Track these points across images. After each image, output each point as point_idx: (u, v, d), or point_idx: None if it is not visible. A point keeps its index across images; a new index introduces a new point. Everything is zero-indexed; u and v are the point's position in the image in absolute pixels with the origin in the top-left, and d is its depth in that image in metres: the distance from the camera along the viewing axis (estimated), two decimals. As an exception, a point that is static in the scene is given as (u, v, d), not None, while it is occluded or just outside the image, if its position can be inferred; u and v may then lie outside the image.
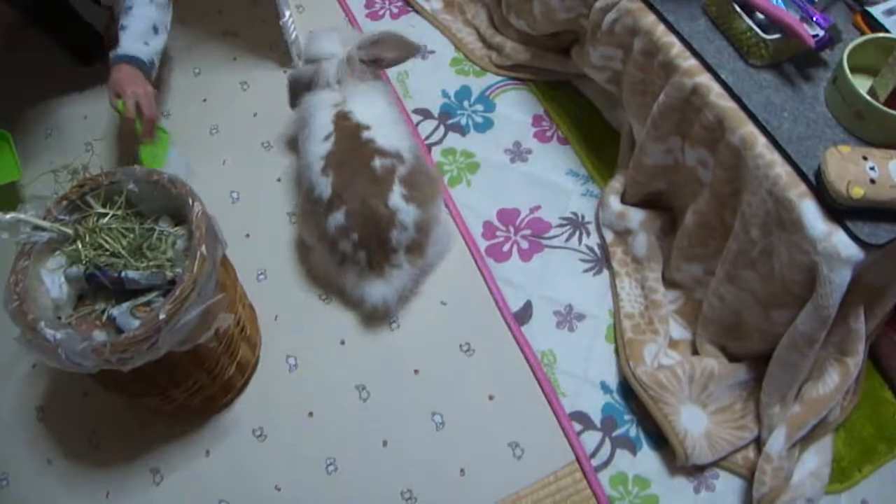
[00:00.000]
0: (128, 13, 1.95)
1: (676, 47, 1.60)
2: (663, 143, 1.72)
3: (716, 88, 1.53)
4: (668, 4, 1.65)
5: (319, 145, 1.80)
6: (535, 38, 2.19)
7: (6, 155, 2.08)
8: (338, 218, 1.74)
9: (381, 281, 1.80)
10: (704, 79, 1.55)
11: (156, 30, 1.98)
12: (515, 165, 2.09)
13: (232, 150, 2.21)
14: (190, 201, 1.47)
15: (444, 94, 2.25)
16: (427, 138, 2.16)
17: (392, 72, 2.27)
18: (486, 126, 2.17)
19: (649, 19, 1.65)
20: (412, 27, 2.43)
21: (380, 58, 1.89)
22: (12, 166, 2.07)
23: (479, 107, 2.21)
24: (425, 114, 2.21)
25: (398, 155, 1.79)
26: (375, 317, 1.87)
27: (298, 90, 1.94)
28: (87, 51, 2.36)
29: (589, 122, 2.15)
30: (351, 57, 1.87)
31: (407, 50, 1.92)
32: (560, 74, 2.23)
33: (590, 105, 2.19)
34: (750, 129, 1.47)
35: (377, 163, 1.75)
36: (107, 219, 1.57)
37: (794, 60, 1.56)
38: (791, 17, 1.50)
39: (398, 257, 1.79)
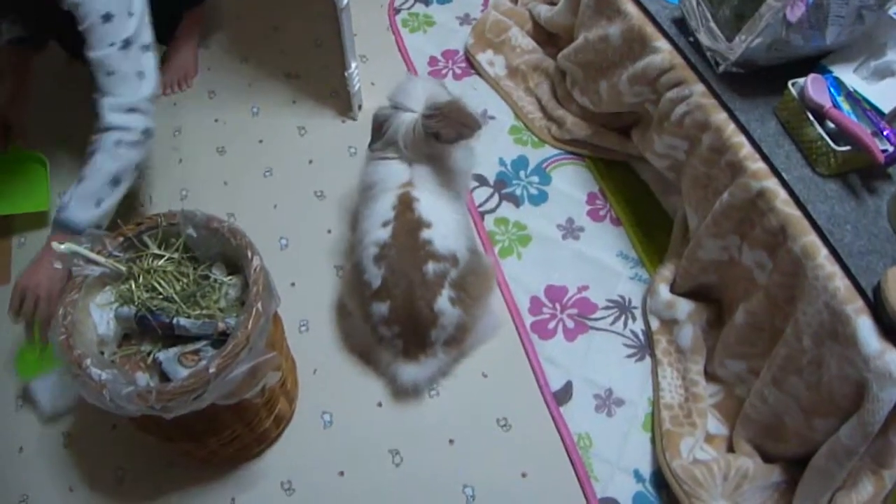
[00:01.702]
0: (89, 161, 1.78)
1: (746, 148, 1.61)
2: (721, 240, 1.71)
3: (782, 194, 1.53)
4: (740, 104, 1.66)
5: (378, 231, 1.75)
6: (596, 115, 2.20)
7: (40, 182, 2.09)
8: (381, 309, 1.73)
9: (415, 365, 1.80)
10: (771, 183, 1.55)
11: (116, 182, 1.80)
12: (567, 242, 2.09)
13: (284, 195, 2.23)
14: (249, 255, 1.48)
15: (501, 161, 2.26)
16: (481, 206, 2.17)
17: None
18: (540, 199, 2.18)
19: (721, 117, 1.66)
20: (474, 90, 2.45)
21: (438, 133, 1.72)
22: (43, 195, 2.08)
23: (535, 178, 2.22)
24: (481, 180, 2.22)
25: (453, 257, 1.75)
26: (405, 394, 1.86)
27: (379, 132, 1.82)
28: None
29: (643, 205, 2.16)
30: (417, 125, 1.74)
31: (467, 128, 1.74)
32: (619, 154, 2.23)
33: (645, 188, 2.19)
34: (812, 238, 1.47)
35: (430, 267, 1.71)
36: (162, 261, 1.58)
37: (860, 172, 1.56)
38: (863, 130, 1.51)
39: (434, 349, 1.79)
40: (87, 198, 1.76)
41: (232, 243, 1.53)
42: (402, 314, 1.72)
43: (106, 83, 1.77)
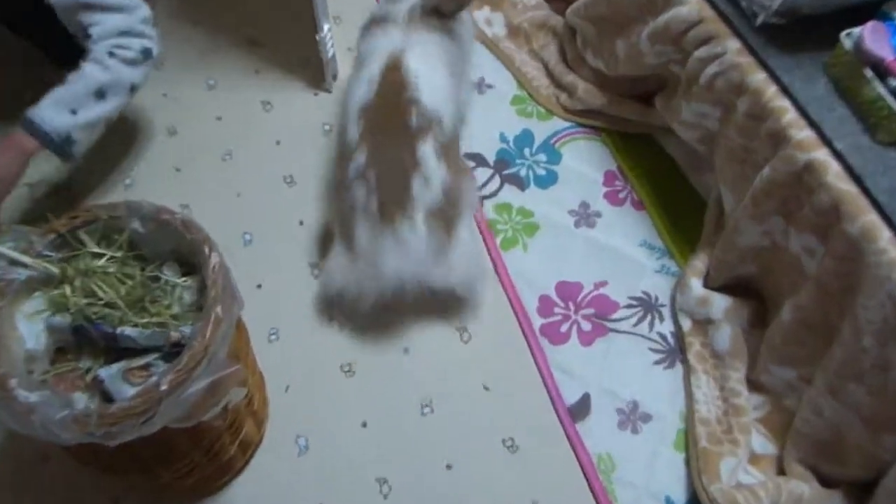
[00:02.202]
0: (79, 69, 1.85)
1: (790, 114, 1.60)
2: (762, 223, 1.71)
3: (834, 167, 1.52)
4: (782, 61, 1.65)
5: (363, 90, 1.88)
6: (613, 80, 2.20)
7: None
8: (359, 159, 1.81)
9: (395, 244, 1.77)
10: (821, 154, 1.54)
11: (100, 95, 1.86)
12: (581, 230, 2.09)
13: (248, 181, 2.22)
14: (206, 251, 1.46)
15: (503, 138, 2.26)
16: (480, 189, 2.16)
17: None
18: (549, 180, 2.18)
19: (759, 77, 1.65)
20: (468, 54, 2.45)
21: (438, 6, 1.98)
22: None
23: (542, 156, 2.22)
24: (478, 160, 2.22)
25: (438, 119, 1.86)
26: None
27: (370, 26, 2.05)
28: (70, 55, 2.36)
29: (670, 185, 2.16)
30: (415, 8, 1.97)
31: None
32: (640, 125, 2.23)
33: (672, 164, 2.19)
34: (872, 218, 1.45)
35: (414, 120, 1.82)
36: (103, 261, 1.56)
37: (930, 138, 1.55)
38: None
39: (415, 216, 1.78)
40: (63, 101, 1.82)
41: (186, 238, 1.51)
42: (381, 158, 1.80)
43: (88, 20, 1.83)
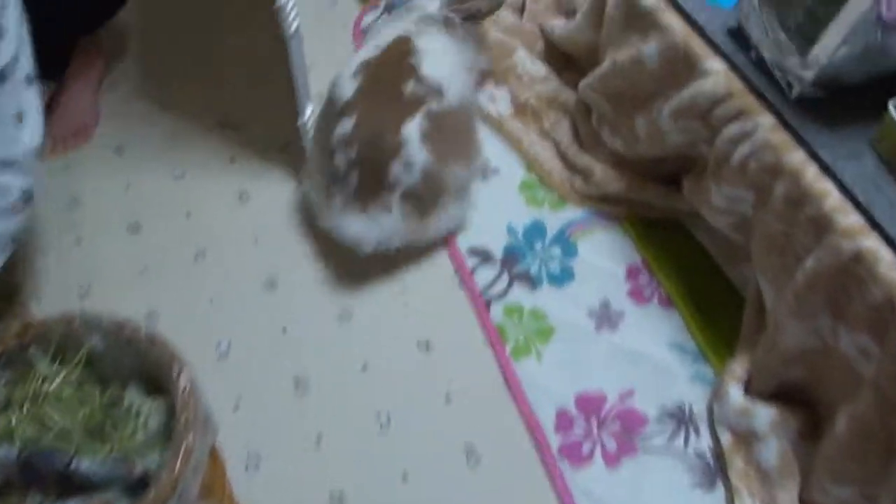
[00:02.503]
0: None
1: (833, 197, 1.60)
2: (809, 321, 1.70)
3: (887, 257, 1.51)
4: (823, 138, 1.66)
5: (368, 49, 2.21)
6: (633, 161, 2.22)
7: None
8: (346, 125, 2.07)
9: (364, 216, 2.07)
10: (871, 242, 1.53)
11: (20, 118, 1.78)
12: (602, 334, 2.09)
13: (222, 285, 2.22)
14: (175, 371, 1.46)
15: (511, 230, 2.27)
16: (486, 290, 2.16)
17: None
18: (564, 278, 2.18)
19: (796, 157, 1.66)
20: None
21: (474, 12, 2.34)
22: None
23: (556, 250, 2.23)
24: (484, 256, 2.22)
25: (438, 88, 2.13)
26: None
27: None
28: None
29: (702, 278, 2.16)
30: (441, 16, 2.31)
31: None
32: (665, 211, 2.24)
33: (703, 254, 2.19)
34: (933, 314, 1.45)
35: (410, 86, 2.11)
36: (56, 383, 1.56)
37: None
38: None
39: (390, 198, 2.05)
40: None
41: (152, 356, 1.51)
42: (366, 133, 2.05)
43: None
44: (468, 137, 2.24)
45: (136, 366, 1.57)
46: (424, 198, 2.08)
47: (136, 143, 2.51)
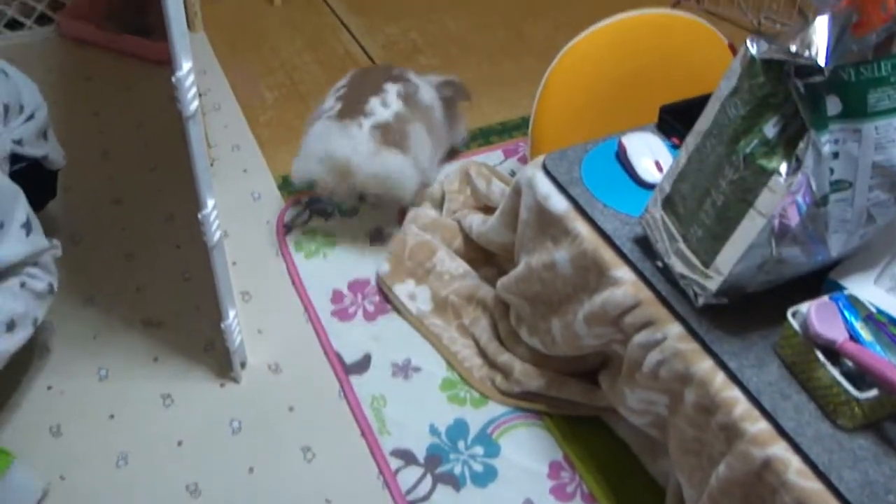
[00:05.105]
0: None
1: (741, 405, 1.62)
2: (728, 525, 1.71)
3: (794, 463, 1.53)
4: (729, 346, 1.69)
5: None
6: (552, 358, 2.24)
7: None
8: (340, 83, 2.84)
9: (339, 125, 2.63)
10: (779, 449, 1.55)
11: (10, 327, 1.99)
12: (526, 534, 2.08)
13: (146, 492, 2.18)
14: None
15: (433, 430, 2.27)
16: (409, 492, 2.15)
17: (366, 396, 2.31)
18: (487, 477, 2.17)
19: (705, 365, 1.69)
20: (391, 333, 2.50)
21: (453, 96, 3.05)
22: None
23: (479, 449, 2.22)
24: (407, 457, 2.21)
25: (415, 90, 2.84)
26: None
27: None
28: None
29: (624, 474, 2.16)
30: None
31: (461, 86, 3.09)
32: (586, 408, 2.26)
33: (625, 450, 2.21)
34: (844, 521, 1.46)
35: (394, 71, 2.85)
36: None
37: (899, 416, 1.58)
38: (892, 367, 1.50)
39: (365, 122, 2.63)
40: None
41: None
42: (356, 85, 2.79)
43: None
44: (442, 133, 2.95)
45: None
46: (391, 132, 2.63)
47: (60, 341, 2.48)
